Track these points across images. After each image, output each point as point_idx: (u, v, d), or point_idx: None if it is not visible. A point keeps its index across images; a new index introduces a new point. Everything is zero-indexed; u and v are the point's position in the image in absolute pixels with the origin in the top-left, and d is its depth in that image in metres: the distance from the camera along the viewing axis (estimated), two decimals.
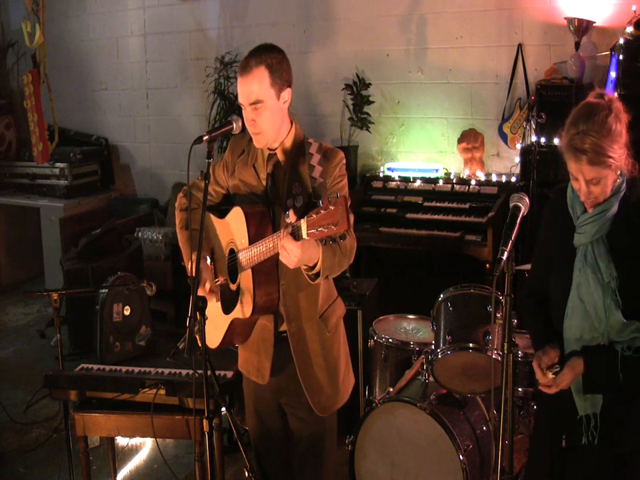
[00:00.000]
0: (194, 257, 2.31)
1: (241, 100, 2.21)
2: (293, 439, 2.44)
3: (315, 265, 2.03)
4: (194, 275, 2.13)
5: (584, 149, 1.94)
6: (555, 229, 2.20)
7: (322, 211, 1.81)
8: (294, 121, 2.31)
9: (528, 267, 3.38)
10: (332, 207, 1.79)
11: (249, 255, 2.17)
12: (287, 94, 2.24)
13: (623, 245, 2.04)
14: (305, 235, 1.86)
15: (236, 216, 2.25)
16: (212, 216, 2.42)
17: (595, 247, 2.05)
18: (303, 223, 1.86)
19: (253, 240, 2.16)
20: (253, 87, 2.17)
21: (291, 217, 1.91)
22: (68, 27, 6.62)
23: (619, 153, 1.97)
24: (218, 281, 2.35)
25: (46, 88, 5.81)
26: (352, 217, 1.85)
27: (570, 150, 1.98)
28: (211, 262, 2.38)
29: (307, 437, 2.38)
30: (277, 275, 2.23)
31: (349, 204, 1.85)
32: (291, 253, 1.94)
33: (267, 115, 2.19)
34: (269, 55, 2.19)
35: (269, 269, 2.20)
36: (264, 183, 2.29)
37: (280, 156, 2.27)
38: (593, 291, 2.03)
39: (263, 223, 2.19)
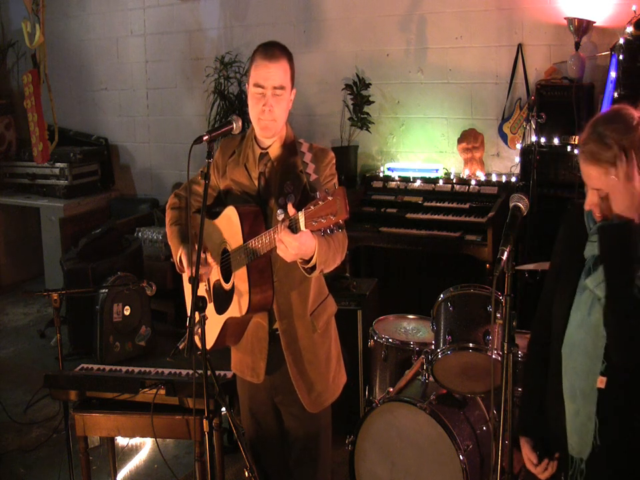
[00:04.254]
0: (181, 251, 2.31)
1: (264, 83, 2.21)
2: (288, 438, 2.44)
3: (311, 259, 2.03)
4: (194, 275, 2.13)
5: (585, 145, 1.75)
6: (567, 242, 1.95)
7: (320, 202, 1.82)
8: (286, 121, 2.33)
9: (528, 266, 3.38)
10: (330, 198, 1.81)
11: (245, 251, 2.17)
12: (293, 94, 2.30)
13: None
14: (302, 227, 1.88)
15: (229, 215, 2.25)
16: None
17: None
18: (301, 216, 1.87)
19: (247, 239, 2.16)
20: (280, 73, 2.21)
21: (290, 211, 1.92)
22: (68, 27, 6.62)
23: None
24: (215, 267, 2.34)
25: (46, 88, 5.81)
26: None
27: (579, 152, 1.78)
28: (205, 253, 2.36)
29: (302, 434, 2.39)
30: (271, 273, 2.24)
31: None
32: (289, 246, 1.95)
33: (284, 104, 2.24)
34: (288, 52, 2.28)
35: (263, 267, 2.20)
36: (256, 182, 2.30)
37: (272, 155, 2.29)
38: (590, 307, 1.82)
39: (256, 222, 2.20)
